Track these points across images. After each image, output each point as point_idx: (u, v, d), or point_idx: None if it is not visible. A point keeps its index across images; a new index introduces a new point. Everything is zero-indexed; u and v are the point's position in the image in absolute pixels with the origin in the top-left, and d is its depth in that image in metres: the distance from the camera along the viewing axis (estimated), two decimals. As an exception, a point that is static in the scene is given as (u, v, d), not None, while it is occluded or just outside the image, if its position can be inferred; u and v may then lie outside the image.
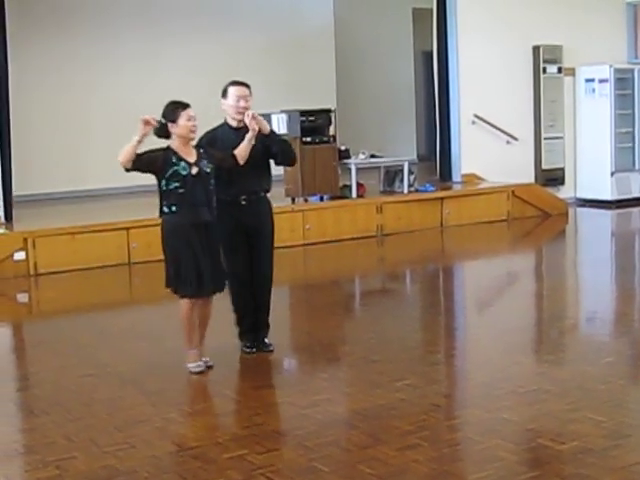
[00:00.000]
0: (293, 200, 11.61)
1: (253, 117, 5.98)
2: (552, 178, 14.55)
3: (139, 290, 9.83)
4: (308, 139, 11.37)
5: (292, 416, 5.21)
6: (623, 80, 14.37)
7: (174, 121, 5.74)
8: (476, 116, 13.90)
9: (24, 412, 5.57)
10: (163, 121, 5.76)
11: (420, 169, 14.52)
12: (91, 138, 14.49)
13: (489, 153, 13.92)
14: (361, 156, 12.35)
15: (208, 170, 5.82)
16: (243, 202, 6.18)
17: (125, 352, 6.69)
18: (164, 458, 4.52)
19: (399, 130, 18.24)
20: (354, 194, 11.94)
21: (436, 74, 14.13)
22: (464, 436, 4.81)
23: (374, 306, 8.45)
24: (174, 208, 5.74)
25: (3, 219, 10.96)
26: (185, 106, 5.78)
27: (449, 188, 13.38)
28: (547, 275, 10.10)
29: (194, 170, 5.73)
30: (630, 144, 14.46)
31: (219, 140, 6.11)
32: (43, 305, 9.28)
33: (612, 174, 14.26)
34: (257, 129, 6.00)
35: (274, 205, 6.51)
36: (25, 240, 9.84)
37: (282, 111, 11.49)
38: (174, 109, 5.78)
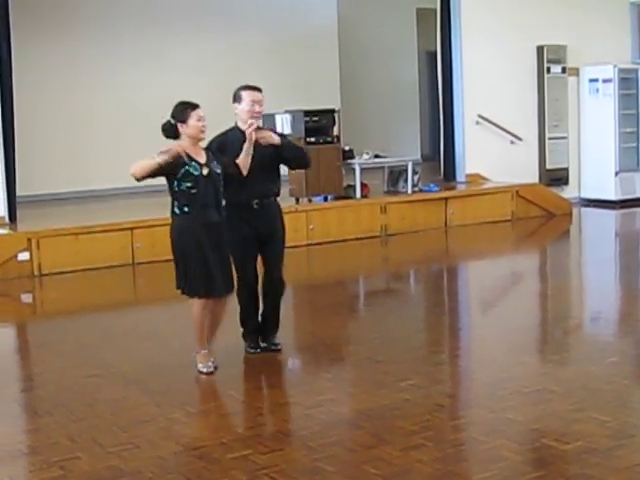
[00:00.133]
0: (297, 200, 11.61)
1: (265, 137, 6.00)
2: (556, 178, 14.53)
3: (143, 290, 9.84)
4: (312, 139, 11.36)
5: (296, 416, 5.22)
6: (627, 80, 14.35)
7: (184, 121, 5.73)
8: (480, 116, 13.89)
9: (28, 413, 5.57)
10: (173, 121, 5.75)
11: (424, 169, 14.50)
12: (94, 138, 14.51)
13: (493, 153, 13.91)
14: (365, 156, 12.34)
15: (218, 171, 5.82)
16: (255, 206, 6.18)
17: (129, 352, 6.69)
18: (168, 458, 4.52)
19: (403, 130, 18.23)
20: (358, 194, 11.94)
21: (440, 74, 14.12)
22: (468, 436, 4.81)
23: (378, 306, 8.45)
24: (186, 209, 5.72)
25: (7, 220, 10.97)
26: (195, 106, 5.77)
27: (453, 188, 13.37)
28: (551, 275, 10.09)
29: (205, 171, 5.73)
30: (634, 144, 14.44)
31: (229, 143, 6.10)
32: (47, 305, 9.29)
33: (616, 174, 14.24)
34: (254, 139, 5.99)
35: (278, 205, 6.52)
36: (29, 241, 9.85)
37: (286, 111, 11.50)
38: (184, 109, 5.77)
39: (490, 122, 13.92)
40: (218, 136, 6.21)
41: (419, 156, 17.19)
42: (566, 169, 14.70)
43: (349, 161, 12.01)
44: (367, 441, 4.61)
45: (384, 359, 6.17)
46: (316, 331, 7.22)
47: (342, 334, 7.33)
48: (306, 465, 4.36)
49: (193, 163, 5.71)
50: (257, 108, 6.14)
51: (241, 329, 6.38)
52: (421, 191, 12.56)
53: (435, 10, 14.21)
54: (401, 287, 9.74)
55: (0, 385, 5.99)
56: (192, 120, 5.73)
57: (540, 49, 14.33)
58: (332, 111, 11.81)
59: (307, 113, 11.48)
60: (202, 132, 5.79)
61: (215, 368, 5.93)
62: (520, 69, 14.28)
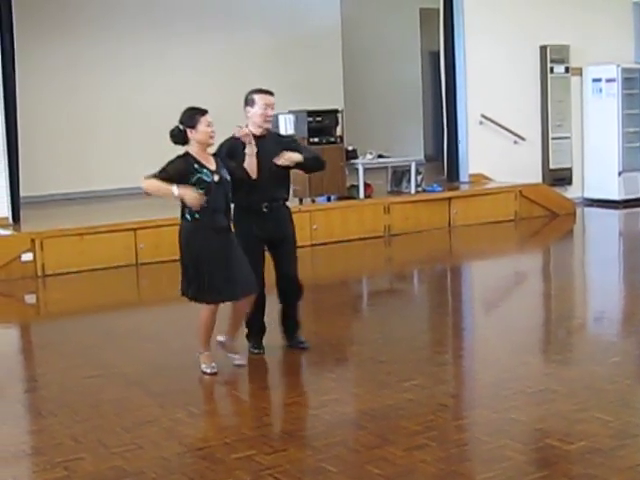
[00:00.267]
0: (300, 200, 11.61)
1: (287, 160, 6.11)
2: (559, 178, 14.52)
3: (146, 291, 9.83)
4: (315, 139, 11.36)
5: (300, 417, 5.22)
6: (630, 80, 14.34)
7: (193, 127, 5.72)
8: (483, 116, 13.88)
9: (32, 413, 5.58)
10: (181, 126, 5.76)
11: (427, 169, 14.51)
12: (98, 139, 14.52)
13: (496, 153, 13.90)
14: (368, 156, 12.34)
15: (228, 178, 5.83)
16: (265, 209, 6.20)
17: (132, 353, 6.70)
18: (172, 459, 4.52)
19: (406, 130, 18.23)
20: (361, 194, 11.94)
21: (443, 74, 14.12)
22: (472, 436, 4.81)
23: (382, 306, 8.44)
24: (197, 215, 5.71)
25: (10, 220, 10.98)
26: (203, 112, 5.77)
27: (456, 188, 13.37)
28: (555, 275, 10.09)
29: (216, 177, 5.73)
30: (638, 144, 14.42)
31: (240, 147, 6.08)
32: (50, 306, 9.29)
33: (620, 174, 14.23)
34: (255, 146, 5.99)
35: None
36: (32, 241, 9.86)
37: (289, 111, 11.49)
38: (192, 115, 5.76)
39: (493, 122, 13.91)
40: (227, 140, 6.20)
41: (422, 156, 17.21)
42: (569, 169, 14.70)
43: (352, 161, 12.01)
44: (371, 441, 4.61)
45: (388, 359, 6.17)
46: (320, 331, 7.21)
47: (346, 334, 7.33)
48: (310, 465, 4.37)
49: (205, 170, 5.71)
50: (270, 112, 6.20)
51: (245, 330, 6.39)
52: (424, 191, 12.56)
53: (438, 10, 14.21)
54: (405, 287, 9.74)
55: (4, 386, 6.00)
56: (201, 126, 5.73)
57: (543, 49, 14.31)
58: (335, 111, 11.82)
59: (310, 113, 11.49)
60: (211, 138, 5.79)
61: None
62: (523, 69, 14.28)
